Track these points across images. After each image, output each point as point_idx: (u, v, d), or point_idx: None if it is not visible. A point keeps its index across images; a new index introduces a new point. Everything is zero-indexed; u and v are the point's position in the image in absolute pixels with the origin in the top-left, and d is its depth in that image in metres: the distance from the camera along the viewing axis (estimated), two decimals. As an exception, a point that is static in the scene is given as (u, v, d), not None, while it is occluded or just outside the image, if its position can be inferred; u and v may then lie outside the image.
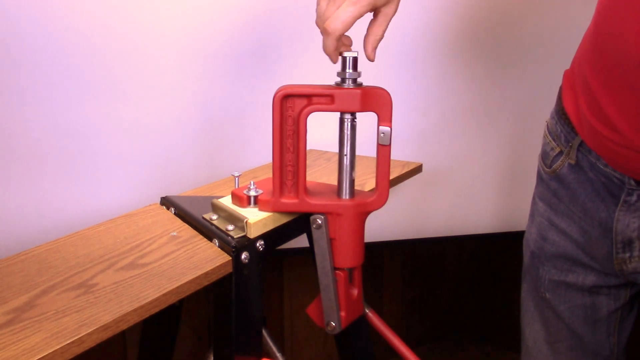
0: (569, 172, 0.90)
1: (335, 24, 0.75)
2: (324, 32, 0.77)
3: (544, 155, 0.96)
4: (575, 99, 0.87)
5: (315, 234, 0.83)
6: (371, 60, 0.81)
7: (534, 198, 1.00)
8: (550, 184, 0.94)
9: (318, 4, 0.79)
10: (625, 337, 0.98)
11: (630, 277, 0.89)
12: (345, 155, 0.83)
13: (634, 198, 0.83)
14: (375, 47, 0.81)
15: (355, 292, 0.88)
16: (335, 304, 0.84)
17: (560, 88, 0.93)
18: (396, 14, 0.84)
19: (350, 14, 0.75)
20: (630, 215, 0.84)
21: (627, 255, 0.86)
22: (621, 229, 0.85)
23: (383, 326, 0.97)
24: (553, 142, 0.93)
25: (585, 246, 0.92)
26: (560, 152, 0.91)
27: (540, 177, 0.98)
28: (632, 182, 0.82)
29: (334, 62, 0.80)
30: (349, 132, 0.82)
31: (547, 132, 0.95)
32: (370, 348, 1.12)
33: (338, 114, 0.82)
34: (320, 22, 0.78)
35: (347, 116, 0.81)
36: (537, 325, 1.02)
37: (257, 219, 0.84)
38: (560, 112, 0.91)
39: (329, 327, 0.86)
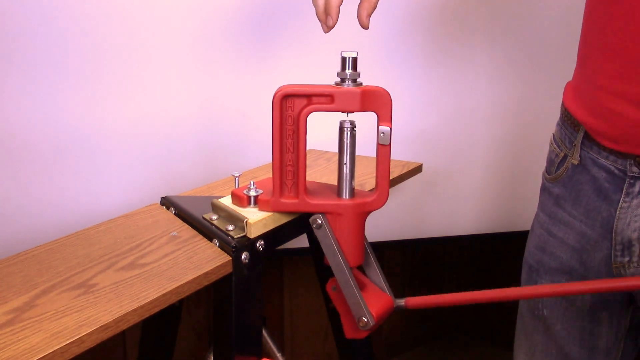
0: (573, 173, 0.90)
1: None
2: None
3: (549, 164, 0.97)
4: (580, 94, 0.87)
5: (318, 233, 0.83)
6: (365, 27, 0.79)
7: (536, 214, 1.00)
8: (553, 191, 0.94)
9: None
10: None
11: None
12: (345, 164, 0.83)
13: (637, 188, 0.83)
14: (370, 15, 0.79)
15: (366, 283, 0.86)
16: (360, 298, 0.82)
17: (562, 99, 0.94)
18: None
19: None
20: (631, 213, 0.84)
21: (626, 259, 0.86)
22: (621, 228, 0.85)
23: (431, 299, 0.86)
24: (558, 149, 0.94)
25: (582, 254, 0.91)
26: (565, 157, 0.92)
27: (542, 189, 0.98)
28: (635, 170, 0.82)
29: (333, 23, 0.79)
30: (348, 141, 0.82)
31: (552, 141, 0.97)
32: (370, 348, 1.12)
33: (338, 114, 0.82)
34: None
35: (347, 125, 0.82)
36: (523, 353, 1.02)
37: (257, 219, 0.84)
38: (564, 116, 0.92)
39: (361, 324, 0.82)
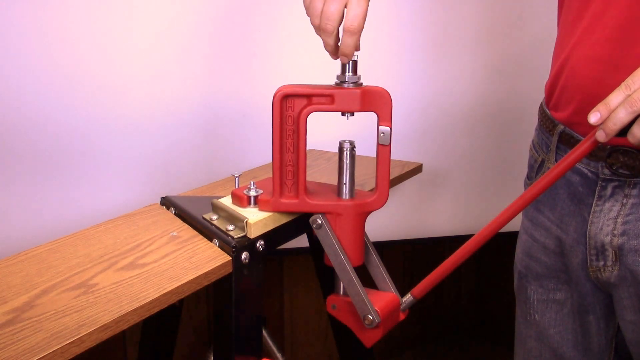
0: None
1: (359, 21, 0.73)
2: (347, 32, 0.74)
3: (529, 170, 0.98)
4: (561, 92, 0.88)
5: (318, 233, 0.83)
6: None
7: (522, 220, 1.01)
8: None
9: (310, 4, 0.76)
10: None
11: (606, 287, 0.89)
12: (345, 184, 0.83)
13: (609, 191, 0.83)
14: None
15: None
16: (364, 296, 0.82)
17: (542, 103, 0.95)
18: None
19: (365, 7, 0.74)
20: (604, 217, 0.84)
21: (601, 263, 0.87)
22: (594, 233, 0.85)
23: (432, 276, 0.83)
24: (536, 154, 0.95)
25: (563, 257, 0.92)
26: (542, 161, 0.93)
27: None
28: (606, 172, 0.83)
29: (348, 60, 0.78)
30: (348, 161, 0.82)
31: (531, 146, 0.98)
32: (370, 347, 1.12)
33: (339, 114, 0.82)
34: (327, 22, 0.75)
35: (347, 145, 0.82)
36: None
37: (257, 219, 0.84)
38: (540, 121, 0.94)
39: (366, 321, 0.82)
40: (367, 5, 0.75)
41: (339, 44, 0.77)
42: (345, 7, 0.74)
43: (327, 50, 0.78)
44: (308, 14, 0.77)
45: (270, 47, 1.26)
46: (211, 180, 1.12)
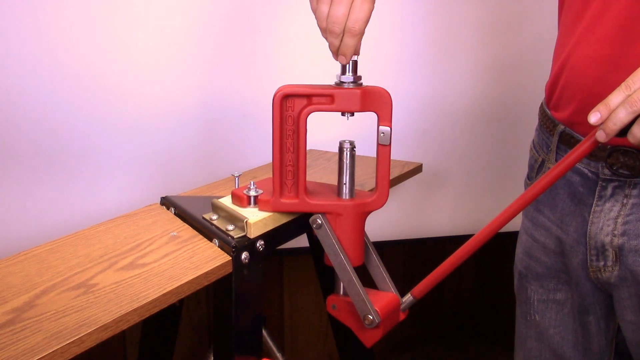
0: None
1: (360, 24, 0.75)
2: (348, 33, 0.76)
3: (529, 170, 0.98)
4: (561, 90, 0.88)
5: (318, 233, 0.83)
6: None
7: (522, 220, 1.01)
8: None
9: (317, 7, 0.77)
10: None
11: (606, 287, 0.89)
12: (345, 184, 0.83)
13: (609, 191, 0.83)
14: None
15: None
16: (364, 296, 0.82)
17: (542, 103, 0.95)
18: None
19: (368, 11, 0.76)
20: (604, 217, 0.84)
21: (602, 264, 0.87)
22: (595, 233, 0.85)
23: (432, 276, 0.83)
24: (536, 154, 0.95)
25: (563, 257, 0.92)
26: (543, 162, 0.93)
27: None
28: (606, 172, 0.83)
29: (347, 61, 0.79)
30: (348, 161, 0.82)
31: (532, 146, 0.98)
32: (370, 348, 1.12)
33: (339, 114, 0.82)
34: (333, 25, 0.76)
35: (347, 145, 0.82)
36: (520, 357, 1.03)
37: (257, 219, 0.84)
38: (541, 121, 0.94)
39: (367, 321, 0.82)
40: (371, 9, 0.76)
41: None
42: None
43: (332, 51, 0.79)
44: (315, 16, 0.79)
45: (270, 47, 1.26)
46: (211, 180, 1.12)
